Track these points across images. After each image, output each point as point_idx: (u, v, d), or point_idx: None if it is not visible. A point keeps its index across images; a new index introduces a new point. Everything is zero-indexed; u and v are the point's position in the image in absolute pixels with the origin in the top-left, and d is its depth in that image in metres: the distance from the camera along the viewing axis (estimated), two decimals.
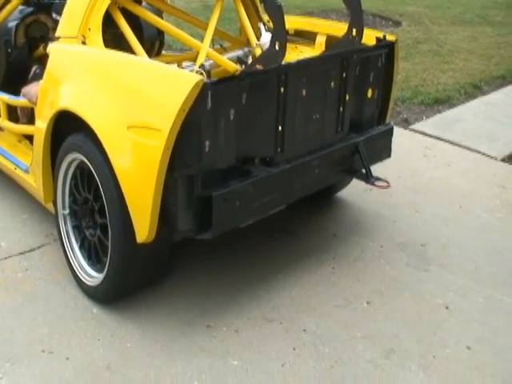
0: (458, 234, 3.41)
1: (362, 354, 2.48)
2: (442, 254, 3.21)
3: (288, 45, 2.62)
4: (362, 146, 2.90)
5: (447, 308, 2.78)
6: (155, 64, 2.48)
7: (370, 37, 3.09)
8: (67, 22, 2.84)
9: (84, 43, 2.73)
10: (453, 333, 2.62)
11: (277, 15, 2.52)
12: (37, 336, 2.55)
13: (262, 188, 2.50)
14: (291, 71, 2.52)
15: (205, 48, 3.13)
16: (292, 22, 3.47)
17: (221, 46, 3.72)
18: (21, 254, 3.14)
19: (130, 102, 2.33)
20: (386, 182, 2.97)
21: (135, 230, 2.36)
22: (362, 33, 2.93)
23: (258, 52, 3.35)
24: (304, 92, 2.59)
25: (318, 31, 3.39)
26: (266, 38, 3.35)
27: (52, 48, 2.84)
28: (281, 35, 2.54)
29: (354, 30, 2.90)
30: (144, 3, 3.38)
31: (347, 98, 2.83)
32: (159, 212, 2.29)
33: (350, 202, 3.71)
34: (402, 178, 4.05)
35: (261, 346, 2.50)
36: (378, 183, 2.94)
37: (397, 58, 3.12)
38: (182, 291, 2.85)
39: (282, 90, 2.48)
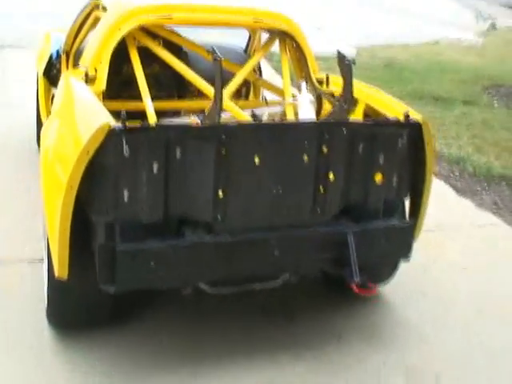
0: None
1: None
2: None
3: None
4: (352, 237, 2.45)
5: None
6: (89, 107, 2.42)
7: (398, 112, 2.64)
8: (85, 52, 2.96)
9: (87, 75, 2.76)
10: None
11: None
12: None
13: (189, 254, 2.28)
14: (234, 132, 2.27)
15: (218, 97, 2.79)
16: (338, 85, 3.03)
17: (265, 99, 3.70)
18: None
19: (64, 135, 2.43)
20: (373, 286, 2.69)
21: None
22: (352, 104, 2.70)
23: (289, 109, 3.09)
24: (257, 160, 2.27)
25: (360, 98, 2.95)
26: (303, 96, 3.12)
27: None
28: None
29: (344, 100, 2.68)
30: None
31: (331, 177, 2.41)
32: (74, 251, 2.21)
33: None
34: None
35: None
36: (359, 288, 2.54)
37: (428, 144, 2.58)
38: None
39: (224, 151, 2.21)
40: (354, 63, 2.69)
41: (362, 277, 2.47)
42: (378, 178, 2.50)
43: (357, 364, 2.67)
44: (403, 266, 3.31)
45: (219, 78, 2.37)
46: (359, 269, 2.47)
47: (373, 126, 2.50)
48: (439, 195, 4.61)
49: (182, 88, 3.45)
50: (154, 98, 2.96)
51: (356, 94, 2.97)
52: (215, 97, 2.43)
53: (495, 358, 2.80)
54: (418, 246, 3.13)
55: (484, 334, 2.96)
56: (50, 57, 3.83)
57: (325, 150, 2.35)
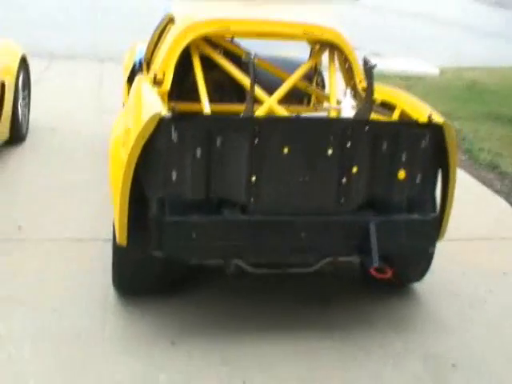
0: None
1: None
2: None
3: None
4: (374, 227, 2.70)
5: None
6: (148, 101, 2.89)
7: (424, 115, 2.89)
8: (156, 59, 3.47)
9: (155, 78, 3.27)
10: None
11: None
12: None
13: (225, 230, 2.64)
14: (265, 124, 2.62)
15: (268, 102, 3.32)
16: (380, 93, 3.40)
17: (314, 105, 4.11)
18: None
19: (128, 124, 2.86)
20: (390, 270, 2.92)
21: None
22: (371, 104, 3.03)
23: (333, 114, 3.44)
24: (286, 150, 2.59)
25: (397, 104, 3.27)
26: (346, 102, 3.46)
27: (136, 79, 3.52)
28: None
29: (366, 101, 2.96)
30: None
31: (354, 170, 2.68)
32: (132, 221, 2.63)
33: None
34: None
35: None
36: (376, 271, 2.84)
37: (451, 145, 2.79)
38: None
39: (256, 141, 2.55)
40: (375, 67, 3.00)
41: (381, 263, 2.76)
42: (402, 174, 2.76)
43: (378, 348, 2.94)
44: (442, 270, 3.58)
45: (252, 77, 2.75)
46: (381, 257, 2.77)
47: (395, 125, 2.80)
48: (496, 209, 4.77)
49: (241, 93, 3.88)
50: (215, 101, 3.41)
51: (393, 99, 3.29)
52: (249, 93, 2.81)
53: (507, 355, 2.98)
54: (463, 251, 3.37)
55: (507, 336, 3.13)
56: (134, 65, 4.41)
57: (348, 145, 2.66)
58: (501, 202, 4.93)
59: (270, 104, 3.34)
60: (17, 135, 5.06)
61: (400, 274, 3.31)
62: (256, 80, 3.55)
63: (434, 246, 2.95)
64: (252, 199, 2.64)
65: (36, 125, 5.60)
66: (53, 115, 6.00)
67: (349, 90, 3.55)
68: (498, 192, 5.10)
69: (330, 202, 2.73)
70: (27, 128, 5.37)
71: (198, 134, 2.55)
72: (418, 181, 2.80)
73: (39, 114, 5.81)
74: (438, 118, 2.83)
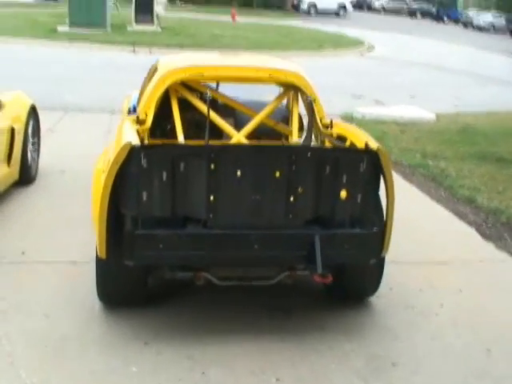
0: None
1: None
2: None
3: None
4: (319, 239, 3.14)
5: None
6: (125, 135, 3.37)
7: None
8: (140, 102, 4.02)
9: (138, 118, 3.79)
10: None
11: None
12: None
13: (187, 241, 3.14)
14: (220, 152, 3.13)
15: (236, 136, 3.85)
16: (337, 128, 3.94)
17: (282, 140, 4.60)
18: None
19: (107, 153, 3.47)
20: (329, 276, 3.38)
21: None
22: (310, 133, 3.64)
23: None
24: (239, 173, 3.09)
25: (348, 136, 3.75)
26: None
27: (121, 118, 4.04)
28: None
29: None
30: None
31: (300, 190, 3.15)
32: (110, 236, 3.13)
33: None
34: None
35: None
36: (318, 277, 3.33)
37: (385, 168, 3.25)
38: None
39: (212, 166, 3.06)
40: (314, 101, 3.55)
41: (324, 271, 3.23)
42: (343, 194, 3.26)
43: (327, 349, 3.39)
44: (401, 287, 4.03)
45: (208, 111, 3.54)
46: (325, 266, 3.24)
47: (335, 151, 3.31)
48: (464, 237, 5.20)
49: (216, 130, 4.44)
50: (194, 138, 3.99)
51: (346, 132, 3.82)
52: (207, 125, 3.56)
53: (449, 362, 3.35)
54: (425, 272, 3.86)
55: (449, 344, 3.53)
56: (129, 110, 5.04)
57: (293, 168, 3.16)
58: (471, 231, 5.35)
59: (237, 138, 3.90)
60: (26, 177, 5.69)
61: (352, 288, 3.77)
62: (231, 119, 4.16)
63: (375, 258, 3.39)
64: (211, 215, 3.16)
65: (47, 168, 6.24)
66: (63, 160, 6.63)
67: (307, 127, 4.09)
68: (470, 223, 5.53)
69: (279, 218, 3.23)
70: (37, 171, 6.00)
71: (163, 160, 3.10)
72: (358, 200, 3.29)
73: (51, 159, 6.46)
74: (373, 145, 3.34)
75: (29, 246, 4.42)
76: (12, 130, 5.26)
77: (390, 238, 3.44)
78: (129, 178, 3.10)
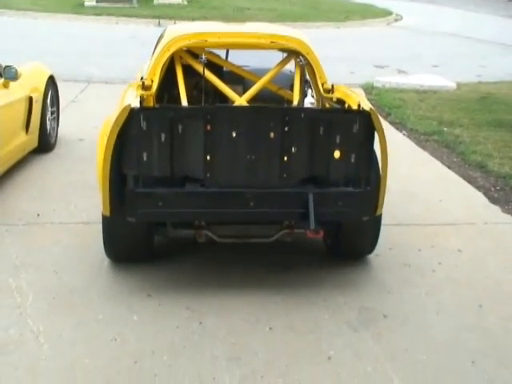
0: None
1: None
2: None
3: None
4: (312, 197, 3.27)
5: None
6: (126, 99, 3.47)
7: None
8: (147, 69, 4.11)
9: (143, 84, 3.87)
10: None
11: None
12: None
13: (185, 199, 3.29)
14: (215, 113, 3.24)
15: (238, 101, 3.94)
16: (337, 91, 3.97)
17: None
18: None
19: (111, 116, 3.47)
20: (320, 231, 3.50)
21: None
22: (302, 95, 3.69)
23: None
24: (234, 133, 3.22)
25: (345, 100, 3.80)
26: (306, 101, 4.11)
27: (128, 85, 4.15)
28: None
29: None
30: None
31: (293, 150, 3.27)
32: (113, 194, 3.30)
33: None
34: None
35: None
36: (310, 232, 3.44)
37: (378, 130, 3.32)
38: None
39: (209, 127, 3.20)
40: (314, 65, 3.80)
41: (317, 228, 3.35)
42: (337, 154, 3.36)
43: (322, 301, 3.53)
44: (400, 247, 4.14)
45: (203, 73, 3.76)
46: (319, 223, 3.36)
47: (328, 112, 3.39)
48: (471, 201, 5.24)
49: (221, 96, 4.56)
50: (198, 103, 4.10)
51: (344, 96, 3.89)
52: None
53: (441, 316, 3.46)
54: (427, 233, 4.01)
55: (442, 299, 3.63)
56: (141, 79, 5.17)
57: (286, 129, 3.28)
58: (479, 195, 5.38)
59: (239, 103, 4.00)
60: (45, 145, 5.91)
61: (349, 246, 3.89)
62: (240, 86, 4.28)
63: (368, 215, 3.48)
64: (208, 174, 3.30)
65: (66, 137, 6.46)
66: (83, 129, 6.82)
67: (310, 90, 4.18)
68: (478, 188, 5.56)
69: (274, 177, 3.34)
70: (56, 139, 6.22)
71: (162, 121, 3.23)
72: (352, 160, 3.38)
73: (71, 128, 6.68)
74: (365, 106, 3.41)
75: (44, 209, 4.64)
76: (30, 99, 5.46)
77: (383, 197, 3.53)
78: (129, 139, 3.25)
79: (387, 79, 10.19)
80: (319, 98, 4.16)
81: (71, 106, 7.82)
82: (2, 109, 4.92)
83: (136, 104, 3.31)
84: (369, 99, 9.40)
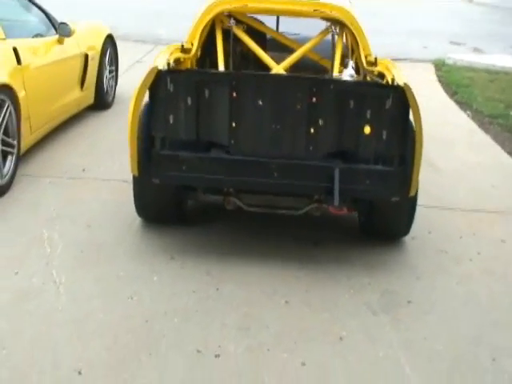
0: None
1: None
2: None
3: None
4: (338, 172, 3.11)
5: None
6: (156, 60, 3.36)
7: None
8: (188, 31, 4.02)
9: (183, 47, 3.81)
10: None
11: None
12: None
13: (209, 165, 3.21)
14: (242, 80, 3.14)
15: (276, 68, 3.86)
16: (380, 65, 3.72)
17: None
18: None
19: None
20: (344, 209, 3.33)
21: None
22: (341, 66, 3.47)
23: None
24: (260, 102, 3.09)
25: (386, 74, 3.53)
26: (346, 72, 3.89)
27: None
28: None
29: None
30: None
31: (320, 122, 3.11)
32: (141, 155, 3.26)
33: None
34: None
35: None
36: (333, 208, 3.29)
37: (412, 107, 3.09)
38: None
39: (234, 94, 3.08)
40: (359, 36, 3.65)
41: (342, 204, 3.21)
42: (367, 130, 3.16)
43: (346, 280, 3.39)
44: (441, 232, 3.96)
45: (231, 40, 3.63)
46: (344, 199, 3.21)
47: (358, 85, 3.20)
48: None
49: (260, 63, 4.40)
50: (242, 69, 3.99)
51: (385, 70, 3.67)
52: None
53: (468, 307, 3.25)
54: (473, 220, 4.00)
55: (474, 290, 3.42)
56: None
57: (314, 100, 3.11)
58: None
59: (277, 70, 3.86)
60: (102, 103, 5.98)
61: (382, 226, 3.71)
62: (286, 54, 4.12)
63: (397, 196, 3.27)
64: (232, 142, 3.20)
65: (126, 96, 6.50)
66: None
67: (350, 62, 3.97)
68: None
69: (299, 149, 3.20)
70: (113, 98, 6.28)
71: (188, 85, 3.15)
72: (384, 137, 3.18)
73: (132, 88, 6.71)
74: (400, 81, 3.19)
75: (90, 164, 4.70)
76: (86, 57, 5.50)
77: (417, 177, 3.32)
78: (156, 101, 3.19)
79: (459, 56, 9.68)
80: (361, 70, 3.96)
81: (136, 66, 7.88)
82: (55, 64, 4.99)
83: (164, 66, 3.23)
84: (438, 76, 9.00)
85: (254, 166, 3.22)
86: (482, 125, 6.61)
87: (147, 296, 3.11)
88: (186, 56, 3.85)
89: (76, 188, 4.31)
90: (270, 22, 4.78)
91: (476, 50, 11.13)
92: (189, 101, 3.15)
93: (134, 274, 3.30)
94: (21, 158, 4.54)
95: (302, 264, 3.50)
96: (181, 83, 3.14)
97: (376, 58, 3.88)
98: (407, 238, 3.85)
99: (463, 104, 7.39)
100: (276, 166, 3.20)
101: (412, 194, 3.36)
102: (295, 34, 4.55)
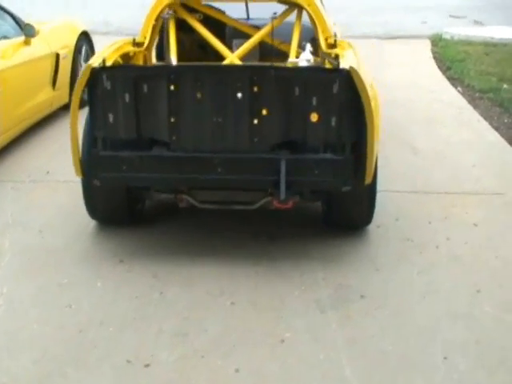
0: None
1: None
2: None
3: None
4: (284, 164, 2.91)
5: None
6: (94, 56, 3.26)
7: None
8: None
9: (134, 40, 3.69)
10: None
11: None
12: None
13: (150, 164, 3.03)
14: (178, 72, 2.97)
15: (230, 57, 3.69)
16: (341, 47, 3.56)
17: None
18: None
19: None
20: (293, 203, 3.10)
21: None
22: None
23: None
24: (199, 94, 2.91)
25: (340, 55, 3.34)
26: (303, 56, 3.64)
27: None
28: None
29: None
30: None
31: (264, 112, 2.91)
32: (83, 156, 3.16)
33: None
34: None
35: None
36: (279, 203, 3.08)
37: (362, 91, 2.86)
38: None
39: (173, 87, 2.90)
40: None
41: (288, 197, 2.99)
42: (314, 117, 2.95)
43: (298, 277, 3.18)
44: (409, 218, 3.79)
45: (166, 31, 3.40)
46: (291, 192, 3.00)
47: (302, 71, 2.97)
48: (509, 170, 4.63)
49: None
50: (198, 60, 3.80)
51: (341, 51, 3.43)
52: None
53: (427, 300, 3.06)
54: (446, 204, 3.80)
55: (434, 282, 3.20)
56: None
57: (255, 89, 2.90)
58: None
59: (231, 59, 3.65)
60: None
61: (341, 217, 3.50)
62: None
63: (348, 185, 3.05)
64: (174, 138, 3.02)
65: None
66: None
67: (308, 45, 3.73)
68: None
69: (243, 141, 3.00)
70: None
71: (125, 81, 2.97)
72: (333, 124, 2.95)
73: None
74: (346, 65, 2.96)
75: (56, 167, 4.56)
76: (57, 56, 5.37)
77: (372, 165, 3.08)
78: (94, 99, 3.03)
79: (457, 31, 9.32)
80: (320, 53, 3.73)
81: None
82: (22, 65, 4.87)
83: (99, 63, 3.06)
84: (433, 52, 8.66)
85: (196, 162, 3.04)
86: (472, 100, 6.30)
87: (86, 304, 2.96)
88: (138, 50, 3.67)
89: (36, 192, 4.19)
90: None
91: (476, 22, 10.71)
92: (127, 98, 2.97)
93: (77, 280, 3.16)
94: None
95: (255, 261, 3.31)
96: (117, 80, 2.97)
97: (335, 40, 3.67)
98: (371, 227, 3.63)
99: (455, 80, 7.08)
100: (219, 160, 3.01)
101: (367, 182, 3.14)
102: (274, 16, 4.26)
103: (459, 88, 6.75)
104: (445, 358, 2.59)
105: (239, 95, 2.93)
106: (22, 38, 5.01)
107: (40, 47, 5.17)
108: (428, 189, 4.21)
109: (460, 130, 5.47)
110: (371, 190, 3.34)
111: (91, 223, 3.69)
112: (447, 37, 9.11)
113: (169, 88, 2.94)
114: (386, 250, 3.45)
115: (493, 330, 2.78)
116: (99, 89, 2.98)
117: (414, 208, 3.94)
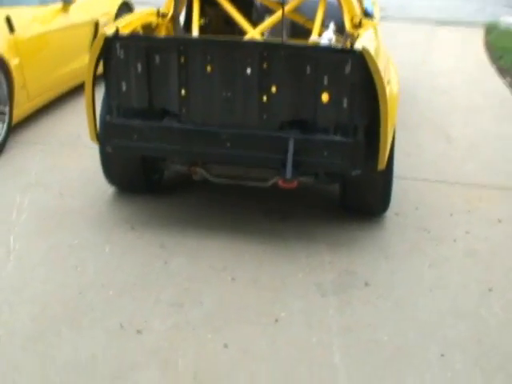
0: None
1: None
2: None
3: None
4: (293, 143, 2.85)
5: None
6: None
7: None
8: None
9: (158, 12, 3.68)
10: None
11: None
12: None
13: (159, 134, 3.01)
14: (189, 45, 2.92)
15: (251, 33, 3.64)
16: (366, 28, 3.47)
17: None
18: None
19: None
20: (294, 181, 2.96)
21: None
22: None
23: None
24: (209, 68, 2.87)
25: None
26: (326, 35, 3.55)
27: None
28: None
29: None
30: None
31: (273, 89, 2.85)
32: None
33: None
34: None
35: None
36: (284, 182, 2.97)
37: (375, 72, 2.77)
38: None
39: (183, 60, 2.87)
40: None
41: (294, 177, 2.91)
42: (325, 98, 2.84)
43: (304, 258, 3.12)
44: (430, 208, 3.66)
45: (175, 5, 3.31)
46: (298, 172, 2.92)
47: (312, 50, 2.88)
48: None
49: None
50: (225, 33, 3.74)
51: (363, 32, 3.30)
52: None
53: (434, 294, 2.94)
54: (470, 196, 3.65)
55: (446, 274, 3.08)
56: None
57: (265, 66, 2.82)
58: None
59: (252, 35, 3.58)
60: None
61: (356, 202, 3.40)
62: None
63: (358, 169, 2.94)
64: (183, 110, 2.99)
65: None
66: None
67: (332, 24, 3.61)
68: None
69: (252, 118, 2.94)
70: None
71: (137, 51, 2.95)
72: (344, 105, 2.84)
73: None
74: (360, 46, 2.81)
75: (86, 133, 4.59)
76: (96, 23, 5.40)
77: (385, 150, 2.97)
78: (108, 67, 3.02)
79: None
80: (345, 33, 3.60)
81: None
82: (57, 31, 4.92)
83: (112, 32, 3.01)
84: (486, 40, 8.31)
85: (205, 135, 2.99)
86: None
87: (91, 266, 2.99)
88: (161, 21, 3.64)
89: (63, 155, 4.25)
90: None
91: (509, 6, 10.21)
92: (139, 67, 2.95)
93: (87, 243, 3.19)
94: (19, 126, 4.54)
95: (264, 239, 3.27)
96: (130, 49, 2.95)
97: (361, 20, 3.53)
98: (389, 214, 3.52)
99: (505, 70, 6.76)
100: (228, 135, 2.96)
101: (381, 167, 3.02)
102: None
103: (508, 78, 6.44)
104: (442, 355, 2.49)
105: (248, 71, 2.86)
106: (60, 4, 5.04)
107: (79, 14, 5.20)
108: (456, 180, 4.05)
109: (500, 123, 5.22)
110: (387, 176, 3.23)
111: (110, 189, 3.72)
112: (502, 26, 8.71)
113: (179, 60, 2.91)
114: (399, 239, 3.34)
115: (498, 332, 2.65)
116: (113, 57, 2.97)
117: (437, 198, 3.80)
